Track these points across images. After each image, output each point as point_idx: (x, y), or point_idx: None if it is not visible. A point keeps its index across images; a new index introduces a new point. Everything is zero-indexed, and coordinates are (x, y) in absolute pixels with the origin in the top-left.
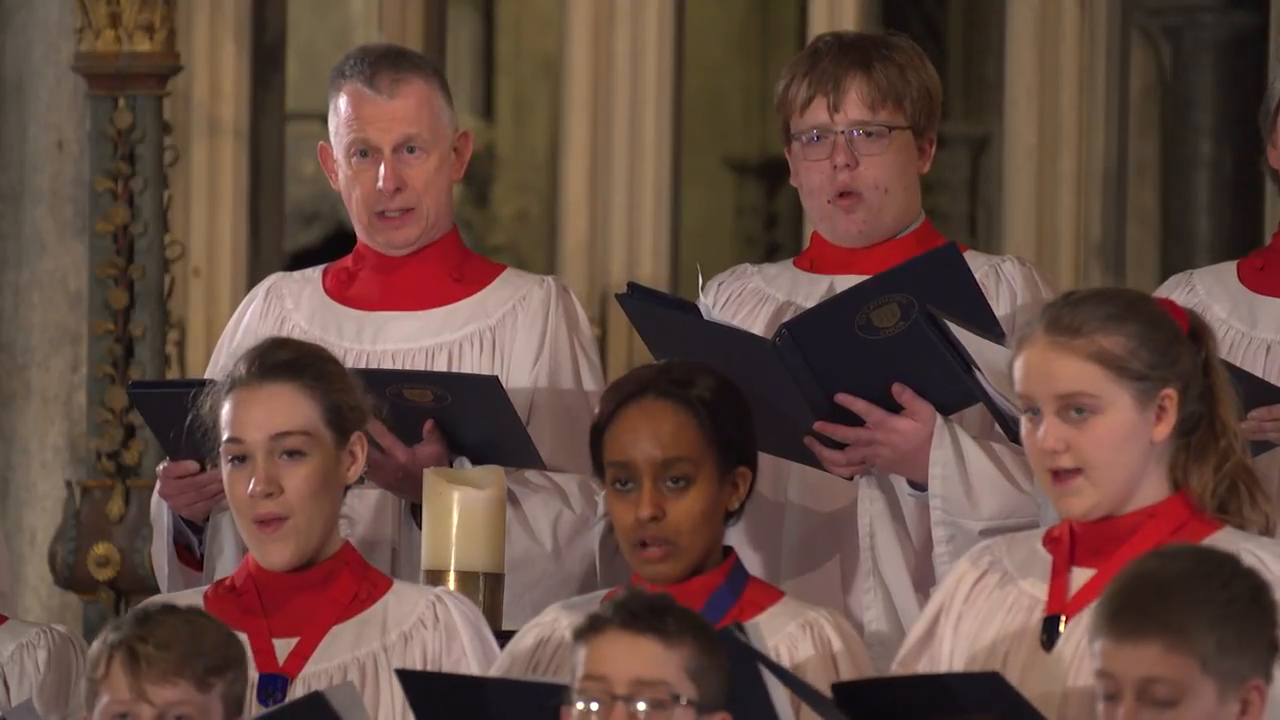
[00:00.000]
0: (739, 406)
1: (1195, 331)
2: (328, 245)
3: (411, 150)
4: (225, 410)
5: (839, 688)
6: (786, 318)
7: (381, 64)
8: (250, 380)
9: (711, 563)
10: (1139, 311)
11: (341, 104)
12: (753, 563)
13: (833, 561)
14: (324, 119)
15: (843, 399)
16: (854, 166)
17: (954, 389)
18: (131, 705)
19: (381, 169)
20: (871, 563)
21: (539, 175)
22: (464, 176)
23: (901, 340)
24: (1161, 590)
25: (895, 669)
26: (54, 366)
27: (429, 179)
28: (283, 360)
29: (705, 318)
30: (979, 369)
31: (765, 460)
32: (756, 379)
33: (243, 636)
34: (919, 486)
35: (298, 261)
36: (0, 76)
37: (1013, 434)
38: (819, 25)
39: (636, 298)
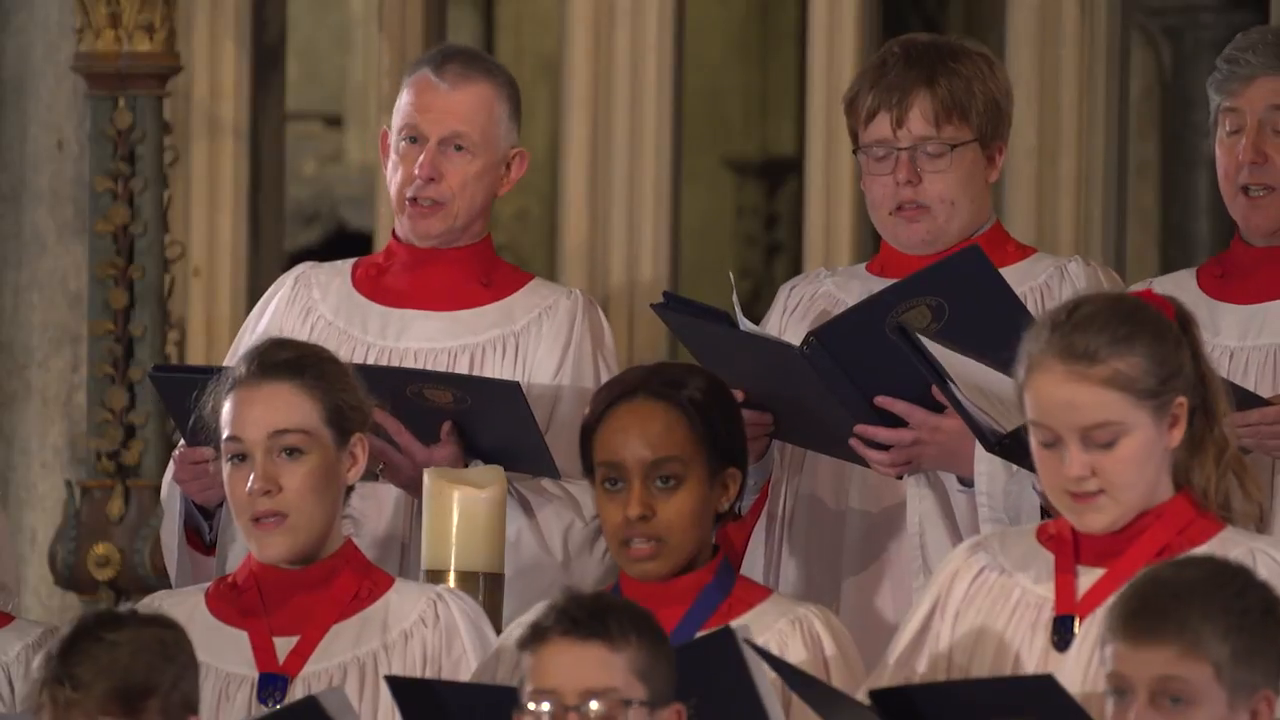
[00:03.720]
0: (729, 407)
1: (1181, 321)
2: (328, 245)
3: (458, 148)
4: (225, 409)
5: (877, 694)
6: None
7: (456, 58)
8: (250, 379)
9: (700, 561)
10: (1145, 324)
11: (406, 89)
12: (812, 571)
13: (885, 558)
14: (324, 119)
15: (883, 401)
16: (917, 183)
17: None
18: None
19: (422, 155)
20: (921, 561)
21: (539, 175)
22: None
23: (937, 341)
24: (1179, 595)
25: (891, 667)
26: (54, 366)
27: (467, 181)
28: (283, 359)
29: (740, 327)
30: (953, 381)
31: (827, 467)
32: (794, 385)
33: (243, 635)
34: (967, 483)
35: (297, 261)
36: (0, 76)
37: (988, 444)
38: (819, 25)
39: (671, 307)
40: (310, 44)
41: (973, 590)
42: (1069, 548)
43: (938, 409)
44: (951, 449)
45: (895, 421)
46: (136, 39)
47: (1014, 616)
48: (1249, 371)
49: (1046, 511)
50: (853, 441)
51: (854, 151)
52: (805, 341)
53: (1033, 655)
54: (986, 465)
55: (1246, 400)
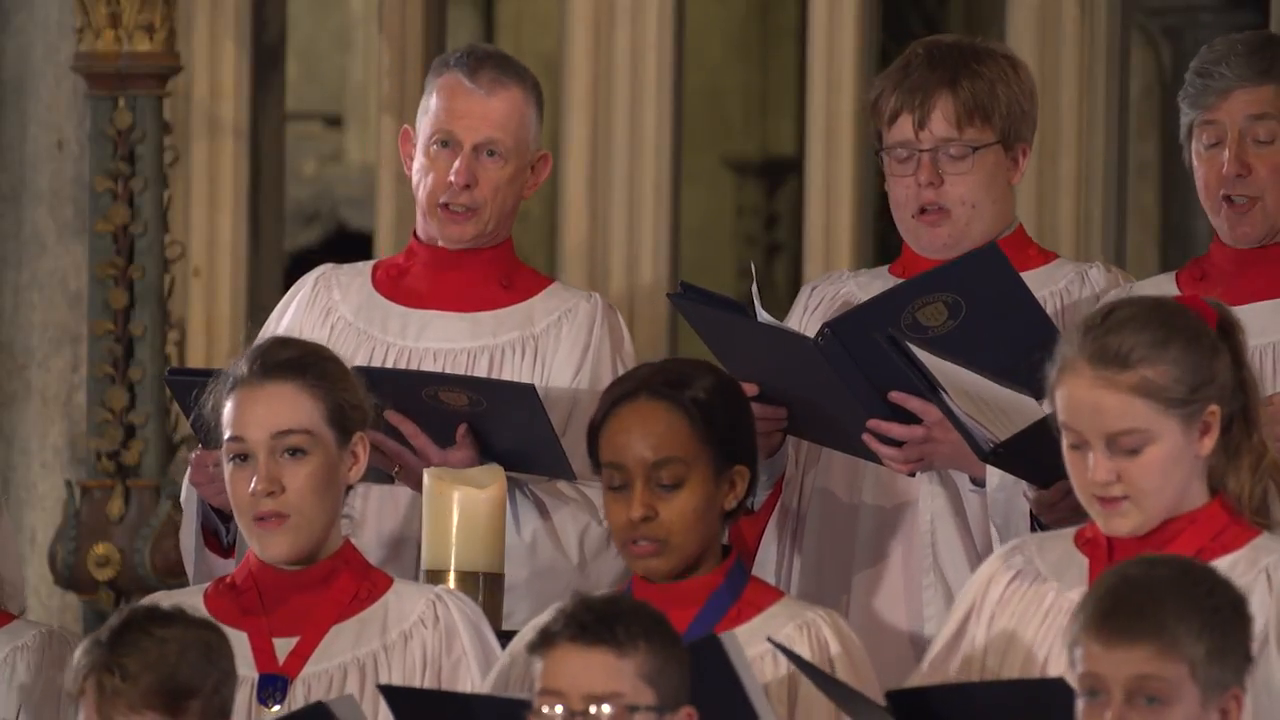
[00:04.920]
0: (735, 405)
1: (1224, 328)
2: (328, 245)
3: (492, 154)
4: (227, 409)
5: (893, 695)
6: None
7: (487, 62)
8: (252, 379)
9: (710, 562)
10: (1179, 332)
11: (436, 92)
12: (823, 566)
13: (896, 555)
14: (324, 119)
15: (897, 397)
16: (938, 185)
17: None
18: None
19: (458, 162)
20: (932, 559)
21: None
22: None
23: (952, 340)
24: (1153, 594)
25: (925, 670)
26: (54, 366)
27: (499, 186)
28: (285, 359)
29: (757, 318)
30: (945, 390)
31: (841, 463)
32: (809, 378)
33: (242, 635)
34: (981, 483)
35: (297, 261)
36: (0, 77)
37: (982, 453)
38: (819, 25)
39: (688, 298)
40: (310, 44)
41: (1007, 594)
42: (1102, 553)
43: None
44: (964, 448)
45: (909, 418)
46: (136, 39)
47: (1046, 621)
48: None
49: (1036, 519)
50: (865, 436)
51: (877, 153)
52: (820, 333)
53: (1061, 660)
54: None
55: None
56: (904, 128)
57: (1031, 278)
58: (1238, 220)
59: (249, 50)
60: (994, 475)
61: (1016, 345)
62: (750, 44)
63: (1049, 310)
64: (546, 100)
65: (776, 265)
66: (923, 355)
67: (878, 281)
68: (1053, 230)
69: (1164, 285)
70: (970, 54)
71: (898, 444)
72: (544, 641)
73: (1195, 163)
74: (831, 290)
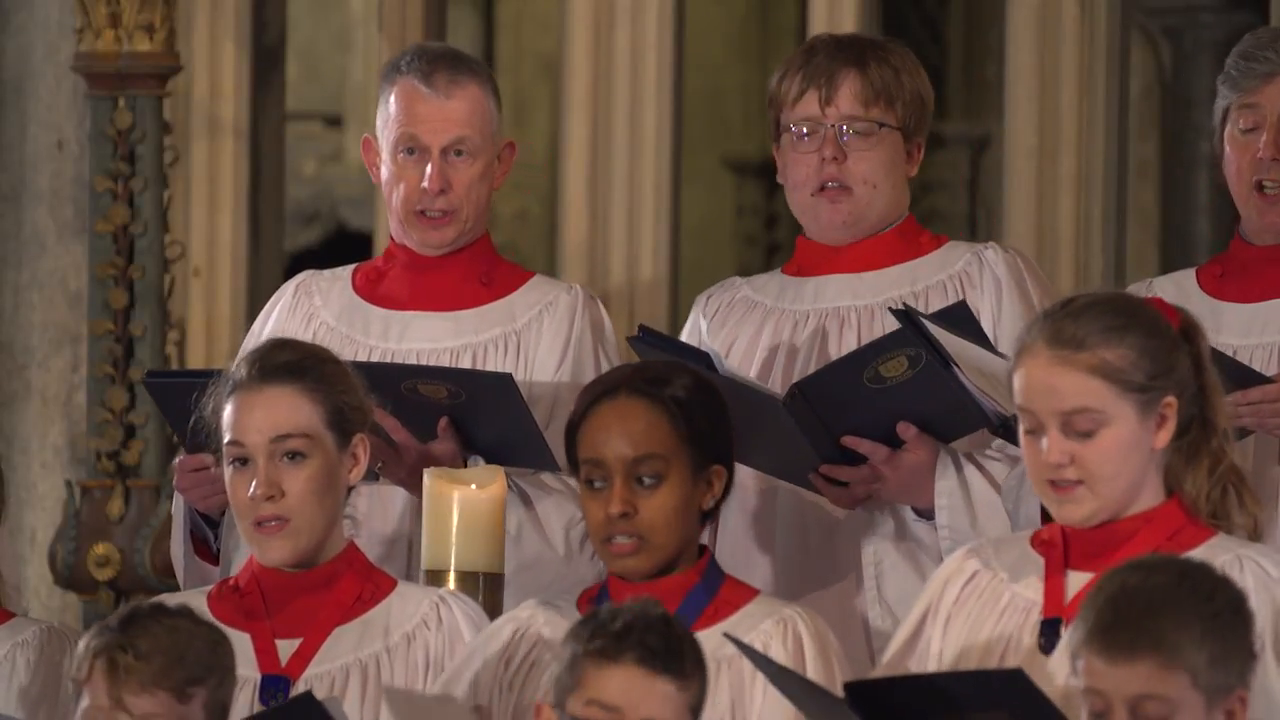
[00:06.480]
0: (714, 405)
1: (1186, 330)
2: (328, 245)
3: (459, 154)
4: (226, 413)
5: (851, 686)
6: (774, 323)
7: (440, 63)
8: (251, 383)
9: (686, 561)
10: (1139, 320)
11: (394, 99)
12: (747, 546)
13: (831, 576)
14: (324, 119)
15: (850, 441)
16: (842, 160)
17: (955, 420)
18: (110, 713)
19: (429, 168)
20: (876, 591)
21: (539, 175)
22: None
23: (907, 386)
24: (1152, 607)
25: (881, 672)
26: (54, 366)
27: (473, 183)
28: (283, 362)
29: (719, 369)
30: (958, 366)
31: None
32: (764, 425)
33: (245, 637)
34: (924, 514)
35: (297, 262)
36: (0, 77)
37: (992, 427)
38: (819, 25)
39: (647, 341)
40: (310, 44)
41: (964, 595)
42: (1059, 552)
43: (897, 443)
44: (909, 483)
45: (856, 459)
46: (136, 39)
47: (1002, 620)
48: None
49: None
50: (812, 477)
51: (774, 140)
52: (789, 393)
53: (1018, 658)
54: (947, 498)
55: (1248, 379)
56: (809, 104)
57: (927, 262)
58: (1267, 208)
59: (249, 50)
60: (943, 511)
61: (963, 393)
62: (750, 44)
63: (949, 293)
64: (546, 100)
65: (776, 265)
66: (936, 331)
67: (773, 283)
68: (1053, 230)
69: (1184, 281)
70: (877, 44)
71: (844, 484)
72: (604, 654)
73: (1228, 147)
74: (726, 297)
